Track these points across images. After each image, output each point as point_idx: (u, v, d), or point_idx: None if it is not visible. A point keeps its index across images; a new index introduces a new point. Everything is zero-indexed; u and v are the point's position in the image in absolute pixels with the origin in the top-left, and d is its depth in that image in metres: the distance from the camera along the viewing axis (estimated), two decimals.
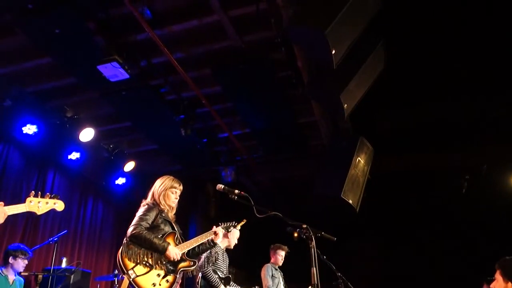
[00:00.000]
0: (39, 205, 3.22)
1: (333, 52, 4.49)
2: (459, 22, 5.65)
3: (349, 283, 4.18)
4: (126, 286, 3.29)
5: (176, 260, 3.52)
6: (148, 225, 3.52)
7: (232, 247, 5.08)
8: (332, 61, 4.59)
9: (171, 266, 3.51)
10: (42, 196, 3.26)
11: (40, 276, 5.31)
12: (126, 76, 5.32)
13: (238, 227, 4.45)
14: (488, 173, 7.74)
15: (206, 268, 4.61)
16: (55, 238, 5.50)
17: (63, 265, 6.38)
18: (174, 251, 3.51)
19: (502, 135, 7.21)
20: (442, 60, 6.31)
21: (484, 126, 7.25)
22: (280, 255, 6.20)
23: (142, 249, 3.41)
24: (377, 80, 5.85)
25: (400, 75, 6.36)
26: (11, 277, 4.97)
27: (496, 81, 6.57)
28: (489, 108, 7.09)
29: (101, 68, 5.17)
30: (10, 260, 4.95)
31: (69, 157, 6.97)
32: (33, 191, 3.25)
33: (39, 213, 3.22)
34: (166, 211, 3.75)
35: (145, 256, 3.40)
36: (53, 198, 3.32)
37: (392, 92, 6.69)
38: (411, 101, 7.14)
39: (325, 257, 3.54)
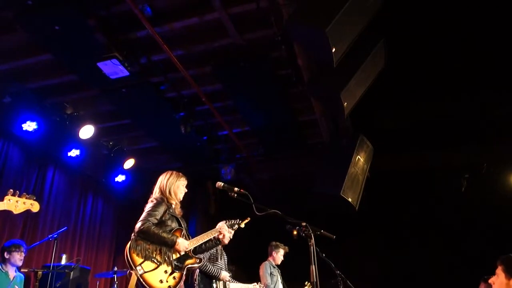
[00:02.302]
0: (17, 204, 3.12)
1: (334, 50, 4.48)
2: (459, 22, 5.64)
3: (348, 281, 4.19)
4: (135, 282, 3.29)
5: (186, 252, 3.53)
6: (156, 221, 3.52)
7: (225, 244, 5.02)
8: (332, 60, 4.58)
9: (178, 263, 3.51)
10: (20, 196, 3.15)
11: (39, 273, 5.31)
12: (126, 73, 5.32)
13: (242, 224, 4.46)
14: (488, 172, 7.74)
15: (204, 264, 4.64)
16: (55, 235, 5.49)
17: (63, 261, 6.40)
18: (184, 244, 3.51)
19: (502, 134, 7.21)
20: (442, 59, 6.30)
21: (484, 125, 7.25)
22: (280, 255, 6.19)
23: (151, 244, 3.41)
24: (377, 78, 5.85)
25: (400, 74, 6.35)
26: (12, 273, 4.99)
27: (496, 80, 6.56)
28: (489, 107, 7.08)
29: (101, 65, 5.16)
30: (6, 255, 4.96)
31: (69, 154, 6.97)
32: (11, 190, 3.13)
33: (15, 212, 3.13)
34: (173, 206, 3.75)
35: (153, 252, 3.40)
36: (29, 198, 3.20)
37: (392, 91, 6.68)
38: (411, 100, 7.13)
39: (324, 255, 3.54)
